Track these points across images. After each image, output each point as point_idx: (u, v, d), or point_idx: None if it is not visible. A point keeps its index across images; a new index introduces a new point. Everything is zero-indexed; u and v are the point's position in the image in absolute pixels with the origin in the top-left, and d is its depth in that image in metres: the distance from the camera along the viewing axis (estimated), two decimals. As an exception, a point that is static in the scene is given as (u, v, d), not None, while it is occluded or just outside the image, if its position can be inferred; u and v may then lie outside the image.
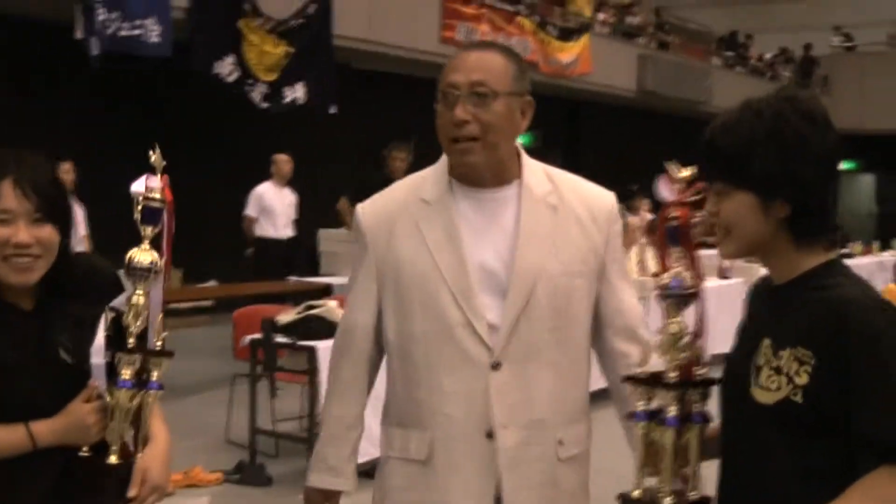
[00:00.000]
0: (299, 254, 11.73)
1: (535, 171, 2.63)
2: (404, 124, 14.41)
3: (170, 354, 2.35)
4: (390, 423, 2.68)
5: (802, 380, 2.03)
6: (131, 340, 2.30)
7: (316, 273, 11.20)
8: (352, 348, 2.69)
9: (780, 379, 2.07)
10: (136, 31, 10.35)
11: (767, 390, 2.09)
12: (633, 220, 10.51)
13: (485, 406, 2.51)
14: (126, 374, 2.27)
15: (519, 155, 2.63)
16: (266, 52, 11.95)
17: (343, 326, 2.73)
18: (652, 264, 10.33)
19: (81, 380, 2.32)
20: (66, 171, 9.68)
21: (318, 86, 12.53)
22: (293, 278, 10.50)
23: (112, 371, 2.29)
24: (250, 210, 11.00)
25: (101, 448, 2.33)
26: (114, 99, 12.33)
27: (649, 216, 11.21)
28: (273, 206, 11.05)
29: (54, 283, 2.38)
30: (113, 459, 2.30)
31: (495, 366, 2.51)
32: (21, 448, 2.29)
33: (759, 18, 29.25)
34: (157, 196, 2.33)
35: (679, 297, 2.26)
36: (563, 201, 2.60)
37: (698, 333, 2.28)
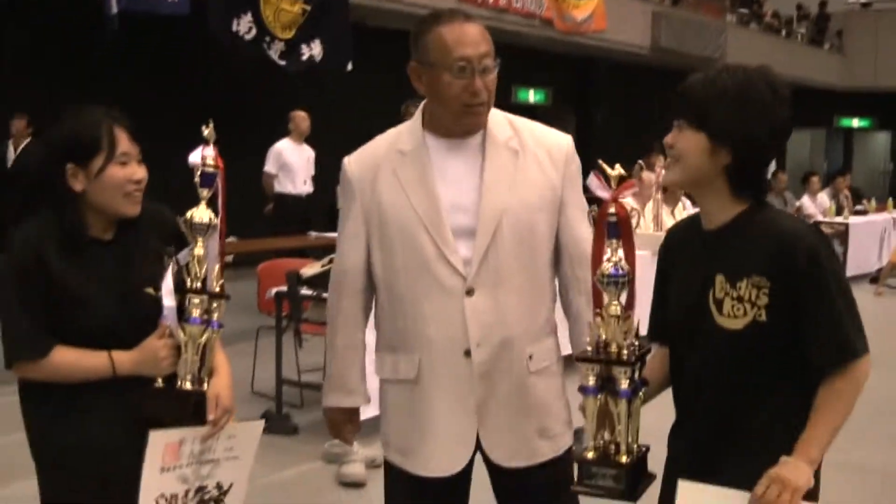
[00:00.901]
0: (318, 209, 11.84)
1: (499, 120, 2.97)
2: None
3: (227, 297, 2.77)
4: (382, 349, 3.04)
5: (763, 301, 2.45)
6: (197, 284, 2.70)
7: (335, 228, 11.30)
8: (347, 286, 3.03)
9: (744, 306, 2.47)
10: (155, -10, 10.43)
11: (734, 317, 2.49)
12: (649, 175, 10.54)
13: (462, 328, 2.87)
14: (195, 312, 2.70)
15: None
16: (283, 9, 12.01)
17: (337, 268, 3.08)
18: (667, 219, 10.41)
19: (157, 309, 2.69)
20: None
21: (334, 43, 12.60)
22: (313, 234, 10.61)
23: (180, 311, 2.70)
24: (269, 167, 11.10)
25: (170, 380, 2.72)
26: (132, 58, 12.37)
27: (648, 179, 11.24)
28: (292, 163, 11.14)
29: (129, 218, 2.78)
30: (188, 387, 2.72)
31: (469, 292, 2.86)
32: (103, 373, 2.68)
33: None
34: (212, 163, 2.74)
35: (619, 283, 2.55)
36: (523, 145, 2.94)
37: (630, 305, 2.58)
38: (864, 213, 16.81)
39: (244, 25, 11.62)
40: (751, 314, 2.47)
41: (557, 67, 20.42)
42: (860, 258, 14.92)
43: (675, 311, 2.64)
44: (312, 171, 11.36)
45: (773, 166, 18.49)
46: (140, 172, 2.73)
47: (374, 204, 2.93)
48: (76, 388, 2.68)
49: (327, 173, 11.98)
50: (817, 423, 2.43)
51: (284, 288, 6.50)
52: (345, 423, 3.13)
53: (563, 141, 2.99)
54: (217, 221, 2.75)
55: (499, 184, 2.88)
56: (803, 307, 2.44)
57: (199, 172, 2.73)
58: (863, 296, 13.32)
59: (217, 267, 2.76)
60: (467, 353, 2.87)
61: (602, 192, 2.58)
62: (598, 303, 2.59)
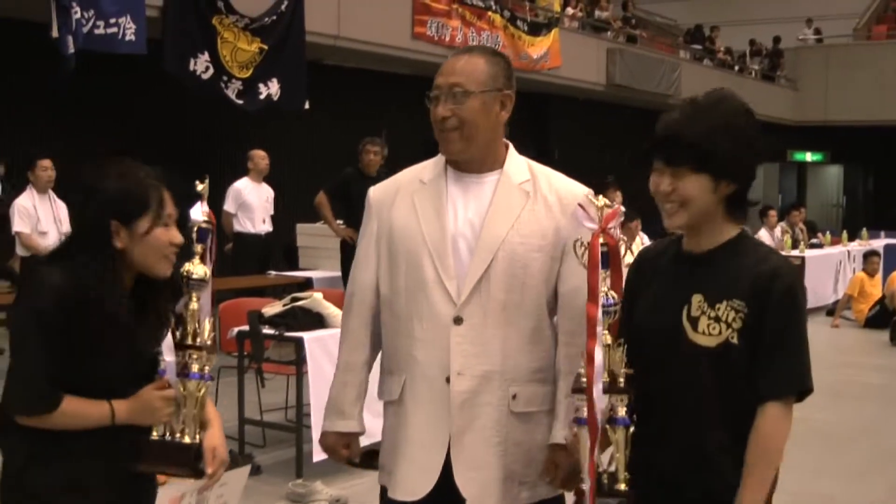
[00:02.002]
0: (277, 249, 11.83)
1: (518, 163, 3.09)
2: (377, 119, 14.55)
3: (214, 350, 2.81)
4: (382, 371, 3.14)
5: (738, 325, 2.54)
6: (196, 340, 2.78)
7: (294, 267, 11.30)
8: (356, 303, 3.14)
9: (720, 325, 2.56)
10: (111, 30, 10.39)
11: (709, 335, 2.57)
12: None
13: (446, 354, 2.94)
14: (195, 367, 2.76)
15: (507, 147, 3.10)
16: (240, 49, 12.02)
17: (349, 287, 3.18)
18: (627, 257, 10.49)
19: (153, 365, 2.74)
20: (45, 169, 9.71)
21: (290, 82, 12.63)
22: (272, 273, 10.60)
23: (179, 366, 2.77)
24: (228, 206, 11.06)
25: (164, 433, 2.77)
26: (90, 97, 12.35)
27: (622, 208, 11.34)
28: (251, 202, 11.11)
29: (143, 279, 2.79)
30: (187, 440, 2.76)
31: (457, 320, 2.94)
32: (102, 421, 2.70)
33: (726, 12, 29.53)
34: (208, 220, 2.83)
35: (610, 312, 2.63)
36: (536, 189, 3.04)
37: (619, 336, 2.68)
38: (819, 246, 17.02)
39: (201, 65, 11.61)
40: (725, 334, 2.56)
41: (515, 104, 20.51)
42: (816, 291, 15.07)
43: (645, 330, 2.68)
44: (272, 211, 11.34)
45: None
46: (179, 237, 2.76)
47: (388, 226, 3.07)
48: (60, 432, 2.65)
49: (286, 212, 12.03)
50: (751, 484, 2.53)
51: (246, 327, 6.47)
52: (339, 448, 3.15)
53: (578, 191, 3.00)
54: (209, 277, 2.82)
55: (502, 220, 2.98)
56: (768, 336, 2.53)
57: (195, 228, 2.81)
58: (819, 328, 13.51)
59: (207, 320, 2.82)
60: (448, 380, 2.93)
61: (589, 224, 2.66)
62: (591, 335, 2.61)
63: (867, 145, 28.09)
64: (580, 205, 2.70)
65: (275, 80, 12.44)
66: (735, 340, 2.54)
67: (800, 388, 2.56)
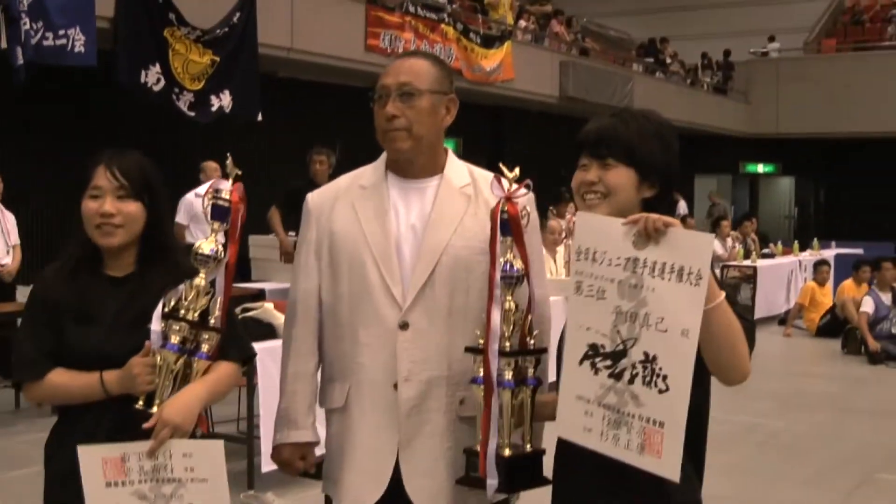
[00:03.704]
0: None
1: (458, 168, 3.09)
2: (331, 131, 14.49)
3: (216, 330, 2.81)
4: (323, 380, 3.10)
5: None
6: (188, 315, 2.77)
7: (247, 279, 11.22)
8: (300, 312, 3.08)
9: None
10: (61, 41, 10.28)
11: None
12: (558, 223, 10.69)
13: (392, 360, 2.92)
14: (174, 339, 2.75)
15: (446, 152, 3.09)
16: (192, 61, 11.95)
17: (291, 297, 3.13)
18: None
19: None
20: (-8, 181, 9.61)
21: (243, 94, 12.57)
22: (223, 284, 10.51)
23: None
24: (180, 218, 10.95)
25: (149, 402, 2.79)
26: (41, 109, 12.21)
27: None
28: (202, 214, 10.99)
29: (144, 256, 2.91)
30: (154, 409, 2.75)
31: (403, 325, 2.92)
32: (94, 393, 2.80)
33: (678, 26, 29.73)
34: (226, 196, 2.81)
35: (510, 279, 2.72)
36: (477, 193, 3.02)
37: (529, 310, 2.76)
38: (771, 256, 17.16)
39: (152, 77, 11.54)
40: None
41: (467, 117, 20.52)
42: (768, 300, 15.22)
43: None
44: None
45: (682, 209, 18.75)
46: (107, 207, 2.82)
47: (328, 231, 3.04)
48: (76, 409, 2.85)
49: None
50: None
51: (196, 339, 6.39)
52: (294, 460, 3.08)
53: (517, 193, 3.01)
54: (224, 256, 2.82)
55: (444, 224, 2.97)
56: None
57: (210, 205, 2.84)
58: (771, 336, 13.63)
59: (219, 301, 2.81)
60: (395, 386, 2.91)
61: (498, 192, 2.75)
62: (490, 299, 2.71)
63: (818, 157, 28.38)
64: (495, 177, 2.77)
65: (227, 92, 12.37)
66: None
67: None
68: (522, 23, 20.47)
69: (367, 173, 3.10)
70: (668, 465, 2.29)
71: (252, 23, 12.57)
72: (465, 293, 2.94)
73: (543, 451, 2.75)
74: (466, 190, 3.02)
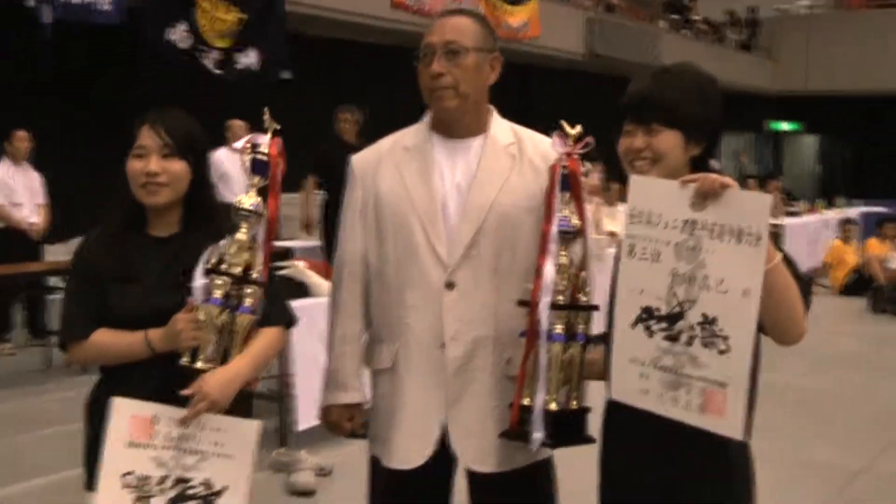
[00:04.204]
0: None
1: (502, 127, 3.09)
2: (358, 90, 14.45)
3: (260, 283, 2.79)
4: (372, 341, 3.10)
5: None
6: (231, 269, 2.76)
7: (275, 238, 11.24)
8: (346, 275, 3.10)
9: None
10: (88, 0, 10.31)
11: None
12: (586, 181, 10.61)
13: (439, 320, 2.93)
14: (216, 293, 2.75)
15: (490, 112, 3.09)
16: (218, 18, 11.93)
17: (337, 259, 3.14)
18: (606, 222, 10.49)
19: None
20: (21, 140, 9.65)
21: (270, 52, 12.54)
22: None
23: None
24: (207, 177, 11.00)
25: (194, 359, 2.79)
26: (66, 68, 12.22)
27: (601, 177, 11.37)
28: (230, 172, 10.99)
29: (188, 216, 2.92)
30: (198, 365, 2.76)
31: (449, 285, 2.93)
32: (140, 352, 2.81)
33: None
34: (264, 150, 2.80)
35: (567, 234, 2.74)
36: (522, 152, 3.03)
37: (582, 266, 2.74)
38: (796, 214, 17.08)
39: (179, 34, 11.53)
40: None
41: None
42: (795, 258, 15.10)
43: None
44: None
45: (716, 166, 18.77)
46: (152, 166, 2.82)
47: (373, 193, 3.04)
48: (120, 368, 2.85)
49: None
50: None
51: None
52: (343, 421, 3.10)
53: None
54: (264, 210, 2.81)
55: (490, 183, 2.97)
56: None
57: (249, 159, 2.83)
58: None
59: (260, 256, 2.81)
60: (442, 346, 2.93)
61: (559, 148, 2.77)
62: (543, 252, 2.72)
63: (845, 115, 28.13)
64: (557, 132, 2.78)
65: (254, 50, 12.36)
66: None
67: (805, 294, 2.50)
68: (549, -21, 20.29)
69: (410, 134, 3.10)
70: (731, 424, 2.30)
71: (279, -20, 12.54)
72: (511, 251, 2.94)
73: (589, 409, 2.76)
74: (511, 149, 3.02)
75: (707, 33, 26.24)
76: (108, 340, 2.83)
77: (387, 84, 16.22)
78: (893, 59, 25.59)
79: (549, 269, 2.70)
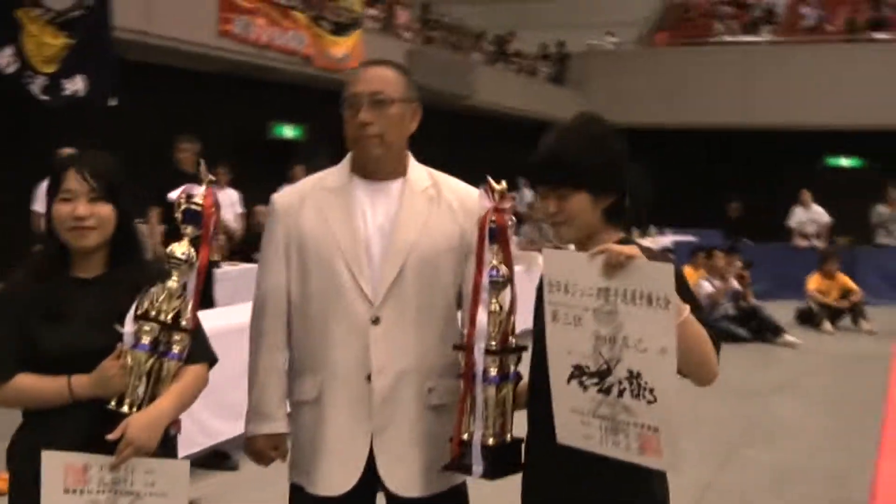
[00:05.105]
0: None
1: (419, 170, 3.26)
2: (186, 117, 14.33)
3: (188, 331, 2.83)
4: (292, 374, 3.20)
5: None
6: (160, 316, 2.78)
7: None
8: (269, 307, 3.16)
9: None
10: None
11: None
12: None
13: (365, 354, 3.06)
14: (145, 340, 2.76)
15: (407, 156, 3.26)
16: (45, 43, 11.62)
17: (260, 292, 3.19)
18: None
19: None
20: None
21: (97, 78, 12.25)
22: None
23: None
24: (38, 206, 10.70)
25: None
26: None
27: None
28: (61, 202, 10.81)
29: (113, 256, 2.96)
30: (124, 409, 2.77)
31: (375, 321, 3.06)
32: (62, 398, 2.80)
33: (519, 17, 30.17)
34: (198, 201, 2.85)
35: (497, 284, 2.87)
36: (439, 194, 3.21)
37: (511, 311, 2.90)
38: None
39: (5, 59, 11.22)
40: None
41: (314, 103, 20.53)
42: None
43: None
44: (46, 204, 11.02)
45: (528, 196, 19.15)
46: (80, 210, 2.85)
47: (296, 232, 3.14)
48: (43, 414, 2.85)
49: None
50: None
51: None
52: (268, 450, 3.19)
53: (475, 194, 3.12)
54: (195, 259, 2.87)
55: (410, 224, 3.12)
56: None
57: (182, 209, 2.87)
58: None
59: (190, 303, 2.88)
60: (368, 379, 3.05)
61: (486, 203, 2.93)
62: (475, 301, 2.86)
63: (649, 147, 29.14)
64: (483, 188, 2.93)
65: (81, 76, 12.07)
66: None
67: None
68: (371, 11, 20.53)
69: (331, 175, 3.23)
70: (668, 462, 2.50)
71: (107, 4, 12.29)
72: (431, 290, 3.10)
73: (522, 440, 2.92)
74: (429, 191, 3.19)
75: (521, 67, 26.91)
76: (30, 385, 2.85)
77: (214, 112, 16.15)
78: (694, 93, 26.73)
79: (482, 317, 2.85)
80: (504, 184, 2.94)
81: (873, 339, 13.98)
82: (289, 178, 13.60)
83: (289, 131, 20.30)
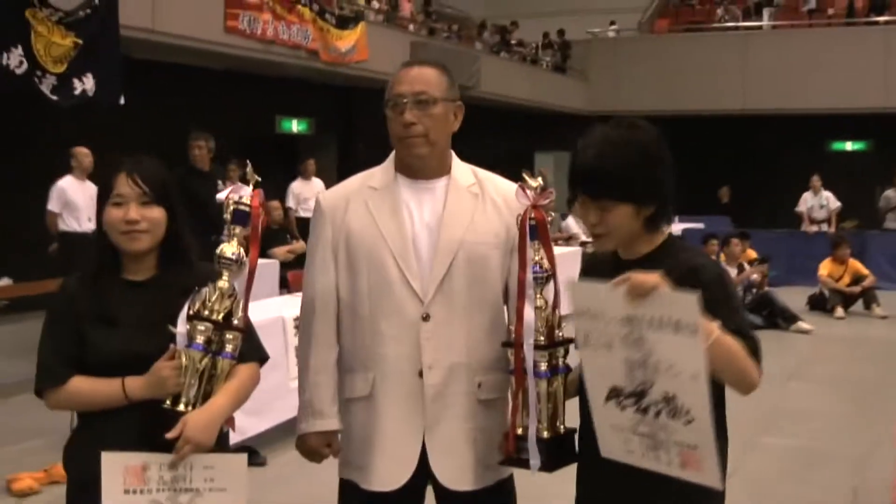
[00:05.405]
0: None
1: (462, 168, 3.30)
2: (193, 114, 14.36)
3: (240, 330, 2.87)
4: (343, 370, 3.23)
5: None
6: (212, 316, 2.82)
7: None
8: (319, 307, 3.20)
9: None
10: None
11: None
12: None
13: (416, 350, 3.10)
14: (199, 339, 2.84)
15: (451, 155, 3.29)
16: (54, 43, 11.62)
17: (309, 292, 3.23)
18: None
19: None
20: None
21: (106, 77, 12.28)
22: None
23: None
24: (52, 205, 10.77)
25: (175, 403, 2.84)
26: None
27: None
28: (76, 201, 10.84)
29: (164, 259, 3.02)
30: (181, 408, 2.81)
31: (425, 317, 3.10)
32: (116, 400, 2.86)
33: (520, 5, 30.13)
34: (246, 202, 2.90)
35: (540, 279, 2.91)
36: (483, 191, 3.26)
37: (555, 305, 2.94)
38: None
39: (14, 59, 11.19)
40: None
41: (320, 97, 20.57)
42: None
43: None
44: (96, 208, 11.04)
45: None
46: (132, 214, 2.91)
47: (344, 231, 3.19)
48: (98, 415, 2.91)
49: (111, 210, 11.68)
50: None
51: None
52: (321, 448, 3.23)
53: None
54: (246, 259, 2.92)
55: (457, 221, 3.16)
56: (713, 313, 2.59)
57: (231, 209, 2.92)
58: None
59: (241, 302, 2.92)
60: (420, 374, 3.10)
61: (524, 200, 2.96)
62: (521, 297, 2.90)
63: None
64: (520, 185, 2.96)
65: (90, 75, 12.09)
66: None
67: (754, 350, 2.67)
68: (375, 3, 20.53)
69: (376, 175, 3.28)
70: (709, 477, 2.52)
71: (113, 3, 12.31)
72: (480, 285, 3.14)
73: (575, 430, 2.95)
74: (473, 189, 3.23)
75: (524, 56, 26.89)
76: (85, 388, 2.90)
77: (221, 108, 16.18)
78: (695, 80, 26.70)
79: (528, 313, 2.90)
80: (540, 180, 2.98)
81: (885, 323, 14.05)
82: (301, 172, 13.64)
83: (295, 126, 20.35)
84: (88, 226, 10.89)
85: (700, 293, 2.42)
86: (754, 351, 2.66)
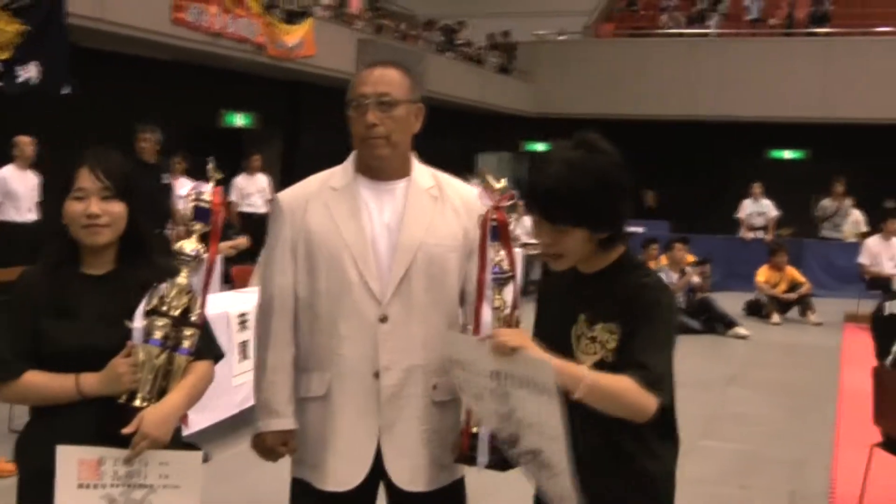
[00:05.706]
0: (45, 238, 11.42)
1: (423, 171, 3.31)
2: (138, 105, 14.24)
3: (197, 326, 2.88)
4: (299, 370, 3.23)
5: (612, 345, 2.75)
6: (170, 312, 2.83)
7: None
8: (277, 306, 3.19)
9: (595, 346, 2.78)
10: None
11: (587, 354, 2.78)
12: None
13: (373, 351, 3.12)
14: (157, 335, 2.84)
15: (411, 157, 3.29)
16: (0, 29, 11.53)
17: (267, 291, 3.23)
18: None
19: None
20: None
21: (51, 65, 12.14)
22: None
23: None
24: (-6, 194, 10.65)
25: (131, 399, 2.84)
26: None
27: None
28: (16, 190, 10.75)
29: (123, 253, 3.01)
30: (137, 404, 2.82)
31: (382, 319, 3.12)
32: (70, 396, 2.84)
33: (467, 5, 30.14)
34: (207, 198, 2.90)
35: (500, 280, 2.91)
36: (442, 193, 3.27)
37: (514, 306, 2.93)
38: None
39: (-41, 46, 11.09)
40: (600, 354, 2.78)
41: (266, 92, 20.47)
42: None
43: (546, 343, 2.79)
44: (38, 198, 10.97)
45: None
46: (93, 208, 2.90)
47: (303, 231, 3.19)
48: (53, 408, 2.89)
49: (54, 200, 11.57)
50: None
51: None
52: (278, 447, 3.22)
53: (475, 192, 3.17)
54: (204, 255, 2.93)
55: (417, 223, 3.19)
56: (635, 342, 2.71)
57: (192, 206, 2.93)
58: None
59: (199, 299, 2.94)
60: (376, 375, 3.12)
61: (486, 201, 2.95)
62: (480, 298, 2.92)
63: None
64: (483, 187, 2.97)
65: (35, 63, 11.94)
66: (610, 359, 2.75)
67: (652, 381, 2.68)
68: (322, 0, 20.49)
69: (336, 175, 3.27)
70: None
71: (62, -9, 12.20)
72: (438, 288, 3.17)
73: None
74: (432, 191, 3.25)
75: (470, 56, 26.93)
76: (39, 382, 2.88)
77: (167, 99, 16.05)
78: (639, 85, 26.82)
79: (486, 313, 2.92)
80: (503, 181, 2.98)
81: (820, 330, 14.31)
82: (245, 167, 13.61)
83: (240, 119, 20.24)
84: (29, 215, 10.80)
85: (552, 363, 2.54)
86: (652, 382, 2.67)
